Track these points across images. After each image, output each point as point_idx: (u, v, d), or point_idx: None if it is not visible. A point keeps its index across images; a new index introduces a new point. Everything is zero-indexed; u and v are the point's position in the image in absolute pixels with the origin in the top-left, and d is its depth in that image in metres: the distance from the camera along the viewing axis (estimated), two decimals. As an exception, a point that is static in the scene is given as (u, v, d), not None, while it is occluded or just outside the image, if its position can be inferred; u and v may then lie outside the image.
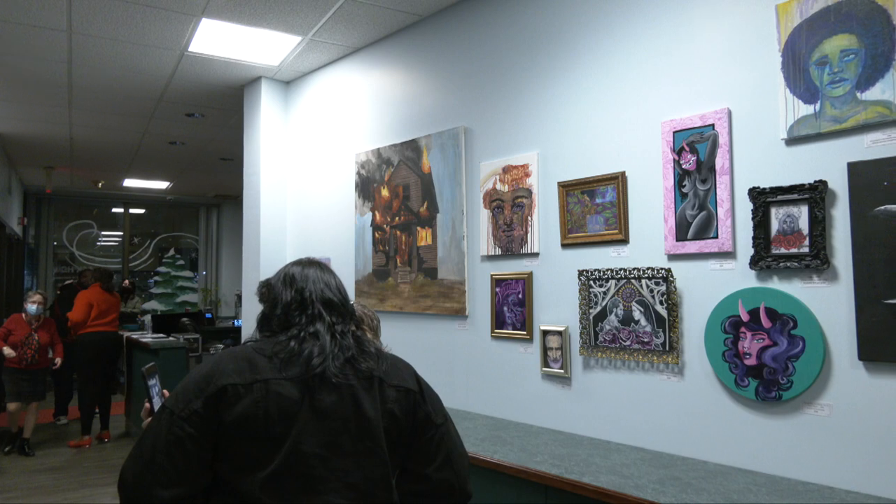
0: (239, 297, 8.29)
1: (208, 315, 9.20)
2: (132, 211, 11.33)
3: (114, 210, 11.32)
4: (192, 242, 12.04)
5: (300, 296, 1.36)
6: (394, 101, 3.70)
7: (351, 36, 3.78)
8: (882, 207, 1.84)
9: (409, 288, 3.51)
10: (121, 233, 11.27)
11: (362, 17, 3.50)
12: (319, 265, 1.45)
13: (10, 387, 5.45)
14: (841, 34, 1.93)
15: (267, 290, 1.42)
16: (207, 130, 6.11)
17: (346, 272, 3.98)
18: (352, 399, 1.27)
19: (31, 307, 5.51)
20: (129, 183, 9.38)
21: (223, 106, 5.23)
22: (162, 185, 9.65)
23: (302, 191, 4.48)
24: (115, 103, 5.18)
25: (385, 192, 3.70)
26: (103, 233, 11.25)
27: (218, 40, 3.84)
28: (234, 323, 8.93)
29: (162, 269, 10.69)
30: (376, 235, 3.76)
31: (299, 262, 1.45)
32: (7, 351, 5.28)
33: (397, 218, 3.61)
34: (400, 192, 3.60)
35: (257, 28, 3.65)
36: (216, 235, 11.88)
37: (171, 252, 11.25)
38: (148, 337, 6.34)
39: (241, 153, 4.87)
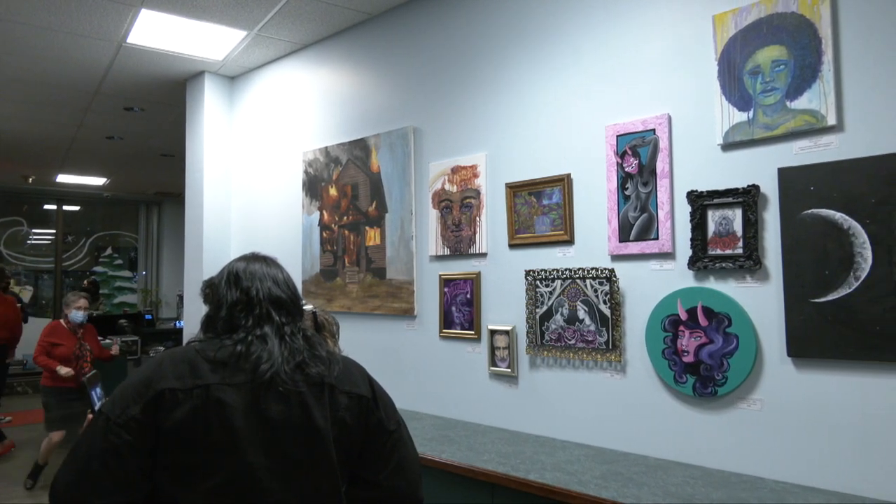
0: (181, 298, 8.04)
1: (148, 317, 8.88)
2: (66, 208, 10.81)
3: (46, 207, 10.77)
4: (131, 241, 11.59)
5: (246, 295, 1.30)
6: (342, 99, 3.66)
7: (298, 32, 3.71)
8: (809, 211, 1.94)
9: (357, 288, 3.49)
10: (53, 231, 10.74)
11: (310, 13, 3.45)
12: (265, 260, 1.39)
13: (58, 411, 4.41)
14: (772, 45, 2.03)
15: (211, 291, 1.35)
16: (147, 125, 5.90)
17: (293, 272, 3.87)
18: (301, 407, 1.21)
19: (77, 314, 4.52)
20: (63, 179, 8.95)
21: (164, 100, 5.05)
22: (98, 181, 9.25)
23: (247, 189, 4.38)
24: (46, 95, 4.93)
25: (333, 192, 3.66)
26: (34, 231, 10.69)
27: (158, 32, 3.71)
28: (175, 324, 8.65)
29: (98, 268, 10.23)
30: (324, 235, 3.71)
31: (244, 258, 1.38)
32: (65, 371, 4.32)
33: (345, 217, 3.58)
34: (348, 192, 3.56)
35: (200, 21, 3.55)
36: (157, 234, 11.47)
37: (109, 251, 10.80)
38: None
39: (183, 149, 4.71)
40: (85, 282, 8.64)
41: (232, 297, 1.30)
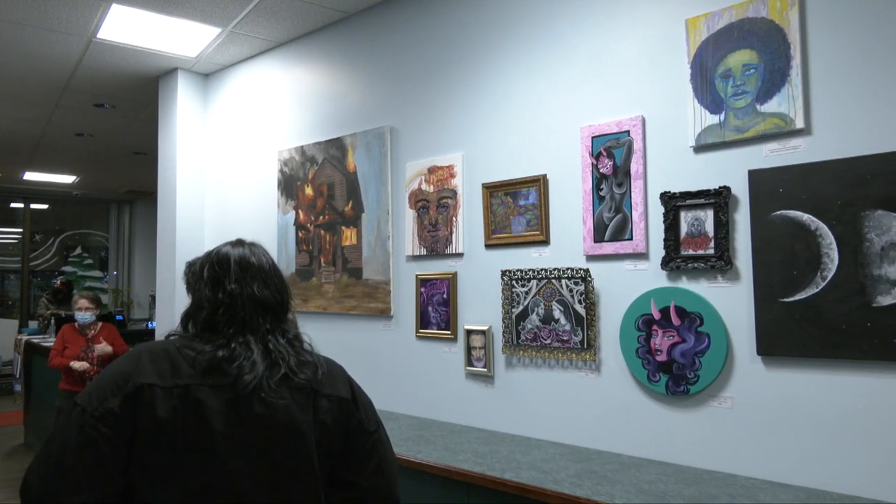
0: (153, 299, 7.89)
1: (119, 317, 8.71)
2: (34, 206, 10.55)
3: (12, 205, 10.50)
4: (101, 240, 11.36)
5: (229, 298, 1.23)
6: (318, 98, 3.64)
7: (274, 30, 3.68)
8: (778, 212, 1.98)
9: (333, 288, 3.46)
10: (20, 230, 10.48)
11: (286, 11, 3.42)
12: (252, 250, 1.31)
13: None
14: (743, 49, 2.07)
15: (193, 280, 1.29)
16: (119, 122, 5.79)
17: (268, 272, 3.87)
18: (284, 413, 1.17)
19: (80, 316, 4.39)
20: (31, 176, 8.73)
21: (136, 97, 4.96)
22: (68, 179, 9.05)
23: (221, 188, 4.32)
24: (12, 90, 4.81)
25: (309, 191, 3.63)
26: (0, 230, 10.42)
27: (130, 28, 3.64)
28: (147, 325, 8.50)
29: (67, 268, 10.01)
30: (300, 234, 3.68)
31: (228, 247, 1.31)
32: (78, 365, 4.20)
33: (321, 217, 3.55)
34: (324, 191, 3.54)
35: (173, 17, 3.49)
36: (128, 233, 11.26)
37: (78, 251, 10.56)
38: (51, 341, 5.93)
39: (155, 147, 4.64)
40: (57, 282, 8.44)
41: (214, 299, 1.23)
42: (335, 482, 1.28)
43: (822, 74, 1.94)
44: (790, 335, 1.94)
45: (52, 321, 7.36)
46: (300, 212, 3.68)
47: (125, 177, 9.02)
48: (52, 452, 1.09)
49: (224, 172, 4.31)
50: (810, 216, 1.92)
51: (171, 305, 4.29)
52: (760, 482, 1.98)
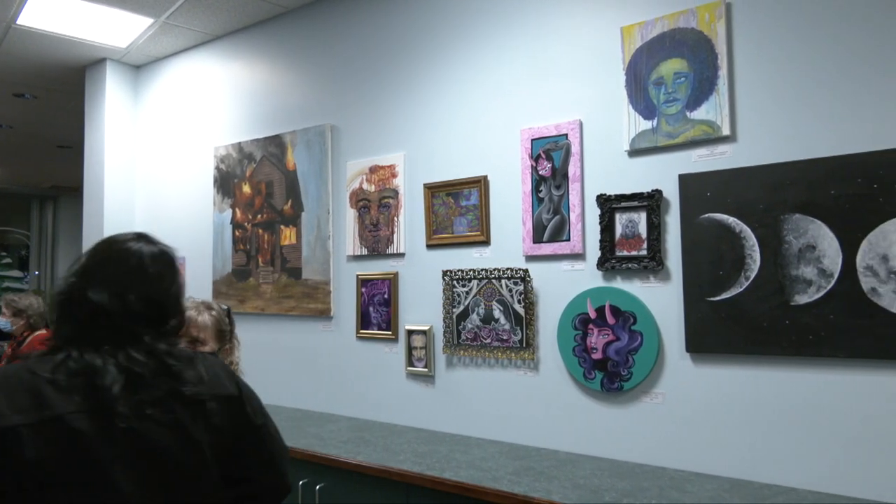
0: (79, 300, 7.48)
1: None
2: (-55, 201, 9.85)
3: (-79, 200, 9.77)
4: (21, 238, 10.70)
5: (103, 306, 1.10)
6: (257, 94, 3.55)
7: (210, 22, 3.57)
8: (706, 215, 2.07)
9: (271, 289, 3.39)
10: (-70, 226, 9.76)
11: (223, 3, 3.32)
12: (141, 246, 1.19)
13: None
14: (674, 58, 2.15)
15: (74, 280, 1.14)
16: (41, 114, 5.47)
17: (204, 272, 3.75)
18: (174, 427, 1.09)
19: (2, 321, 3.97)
20: (-58, 169, 8.15)
21: (60, 88, 4.70)
22: (-16, 172, 8.49)
23: (153, 184, 4.15)
24: (-79, 76, 4.48)
25: (247, 189, 3.54)
26: None
27: (53, 14, 3.45)
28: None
29: (-18, 268, 9.40)
30: (236, 234, 3.58)
31: (114, 242, 1.19)
32: None
33: (259, 216, 3.47)
34: (263, 189, 3.46)
35: (101, 5, 3.33)
36: (51, 231, 10.66)
37: (-5, 249, 9.93)
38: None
39: (81, 141, 4.41)
40: None
41: (85, 304, 1.11)
42: (230, 481, 1.23)
43: (746, 84, 2.04)
44: (716, 333, 2.03)
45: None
46: (237, 210, 3.58)
47: (48, 171, 8.54)
48: None
49: (156, 168, 4.14)
50: (735, 219, 2.02)
51: (97, 307, 4.09)
52: (688, 474, 2.06)
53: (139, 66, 4.28)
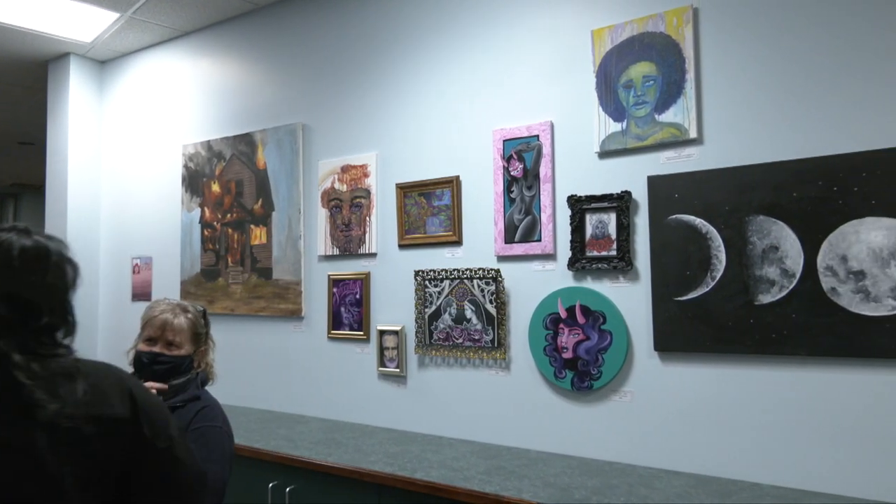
0: (41, 301, 7.28)
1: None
2: None
3: None
4: (-20, 237, 10.36)
5: None
6: (227, 91, 3.50)
7: (178, 18, 3.50)
8: (674, 216, 2.11)
9: (241, 289, 3.34)
10: None
11: (191, -2, 3.27)
12: (11, 237, 1.04)
13: None
14: (643, 62, 2.18)
15: None
16: (1, 109, 5.31)
17: (171, 272, 3.68)
18: (16, 454, 0.93)
19: None
20: None
21: (21, 82, 4.57)
22: (-60, 169, 8.20)
23: (119, 183, 4.06)
24: None
25: (216, 188, 3.48)
26: None
27: (13, 7, 3.35)
28: (34, 330, 7.84)
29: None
30: (205, 233, 3.53)
31: None
32: None
33: (229, 215, 3.42)
34: (232, 188, 3.41)
35: (65, -2, 3.25)
36: (13, 230, 10.34)
37: (-47, 248, 9.58)
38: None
39: (44, 137, 4.29)
40: None
41: None
42: None
43: (712, 88, 2.08)
44: (683, 332, 2.07)
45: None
46: (206, 209, 3.52)
47: (9, 168, 8.28)
48: None
49: (122, 166, 4.05)
50: (702, 220, 2.05)
51: (60, 308, 3.99)
52: (656, 471, 2.09)
53: (104, 62, 4.18)
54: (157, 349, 1.65)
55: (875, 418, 1.81)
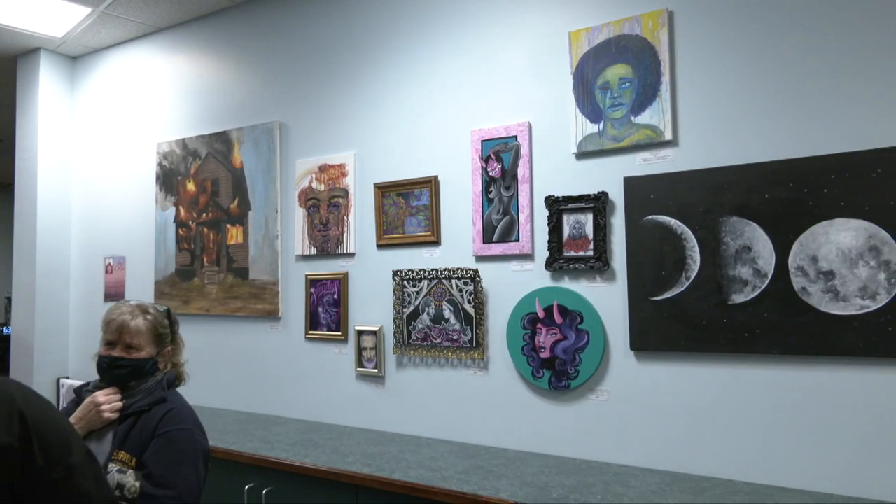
0: (9, 301, 7.12)
1: (-32, 322, 7.80)
2: None
3: None
4: (-54, 236, 10.09)
5: None
6: (202, 89, 3.45)
7: (153, 13, 3.45)
8: (649, 217, 2.13)
9: (217, 289, 3.30)
10: None
11: (166, -6, 3.22)
12: None
13: None
14: (620, 64, 2.20)
15: None
16: (-32, 105, 5.18)
17: (145, 272, 3.63)
18: None
19: None
20: None
21: (-10, 77, 4.46)
22: None
23: (91, 181, 3.98)
24: None
25: (191, 186, 3.44)
26: None
27: (-18, 0, 3.27)
28: (2, 330, 7.68)
29: None
30: (180, 232, 3.48)
31: None
32: None
33: (205, 214, 3.38)
34: (208, 187, 3.36)
35: (35, -8, 3.18)
36: (-20, 229, 10.09)
37: (-83, 248, 9.33)
38: None
39: (13, 134, 4.19)
40: None
41: None
42: None
43: (687, 91, 2.11)
44: (659, 331, 2.09)
45: None
46: (181, 208, 3.47)
47: (-24, 166, 8.07)
48: None
49: (94, 164, 3.97)
50: (677, 221, 2.08)
51: (29, 309, 3.90)
52: (632, 468, 2.12)
53: (76, 57, 4.10)
54: (115, 353, 1.61)
55: (844, 416, 1.86)
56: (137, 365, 1.62)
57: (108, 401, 1.58)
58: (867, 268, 1.82)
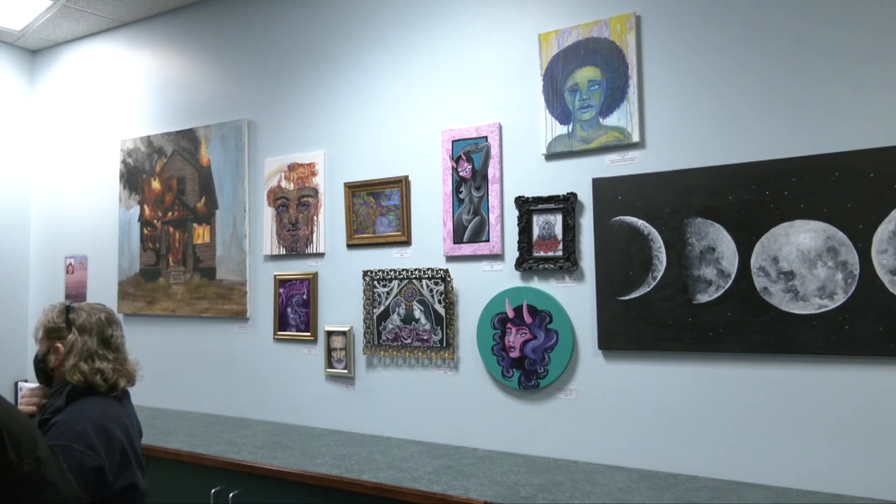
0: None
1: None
2: None
3: None
4: None
5: None
6: (168, 85, 3.38)
7: (117, 7, 3.37)
8: (617, 218, 2.16)
9: (183, 289, 3.24)
10: None
11: (131, -12, 3.15)
12: None
13: None
14: (589, 66, 2.23)
15: None
16: (-79, 98, 4.98)
17: (109, 272, 3.54)
18: None
19: None
20: None
21: (-56, 70, 4.30)
22: None
23: (52, 178, 3.87)
24: None
25: (156, 185, 3.36)
26: None
27: (-65, -10, 3.15)
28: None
29: None
30: (145, 232, 3.40)
31: None
32: None
33: (170, 213, 3.31)
34: (174, 186, 3.30)
35: (-8, -18, 3.08)
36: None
37: None
38: None
39: (-32, 129, 4.05)
40: None
41: None
42: None
43: (654, 94, 2.15)
44: (626, 331, 2.12)
45: None
46: (146, 207, 3.40)
47: (-70, 162, 7.76)
48: None
49: (56, 161, 3.86)
50: (644, 222, 2.11)
51: (-14, 310, 3.78)
52: (599, 466, 2.14)
53: (35, 51, 3.98)
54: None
55: (804, 412, 1.91)
56: (35, 363, 1.66)
57: (28, 395, 1.61)
58: (825, 268, 1.87)
